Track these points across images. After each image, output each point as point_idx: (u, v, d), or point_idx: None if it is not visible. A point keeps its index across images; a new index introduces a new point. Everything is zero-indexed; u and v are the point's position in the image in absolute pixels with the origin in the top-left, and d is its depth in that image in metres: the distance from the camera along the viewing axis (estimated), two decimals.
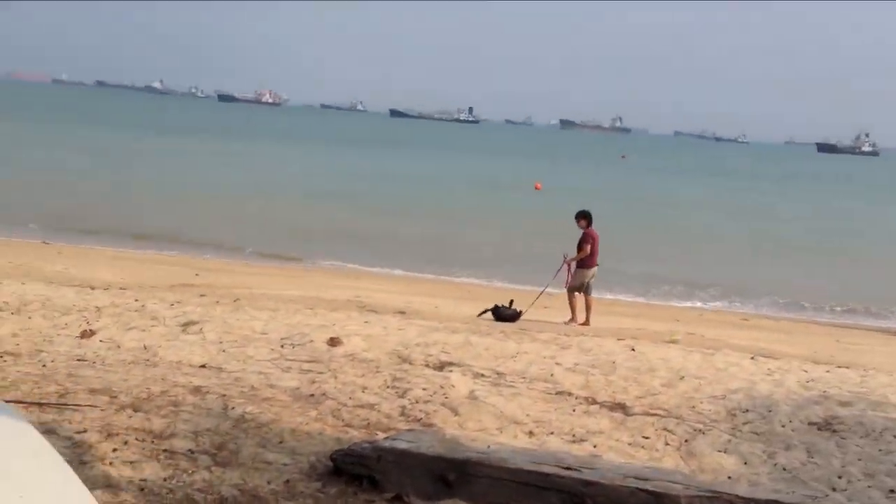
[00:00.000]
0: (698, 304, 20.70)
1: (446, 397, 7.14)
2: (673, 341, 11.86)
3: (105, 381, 6.37)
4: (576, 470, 4.85)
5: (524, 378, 8.12)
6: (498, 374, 8.21)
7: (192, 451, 5.18)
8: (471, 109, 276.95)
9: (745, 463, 6.15)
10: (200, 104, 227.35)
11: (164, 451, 5.14)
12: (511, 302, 13.48)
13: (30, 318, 8.62)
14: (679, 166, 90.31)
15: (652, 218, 37.12)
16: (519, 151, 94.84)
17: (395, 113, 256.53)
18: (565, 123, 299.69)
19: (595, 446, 6.26)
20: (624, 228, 32.31)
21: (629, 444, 6.40)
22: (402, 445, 5.06)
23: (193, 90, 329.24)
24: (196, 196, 33.25)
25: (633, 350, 10.41)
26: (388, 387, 7.36)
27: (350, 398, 6.90)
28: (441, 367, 8.29)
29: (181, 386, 6.50)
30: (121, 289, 12.85)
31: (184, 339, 8.39)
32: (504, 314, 13.11)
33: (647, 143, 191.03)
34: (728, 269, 25.58)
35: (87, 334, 7.96)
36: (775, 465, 6.12)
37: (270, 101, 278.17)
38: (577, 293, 13.81)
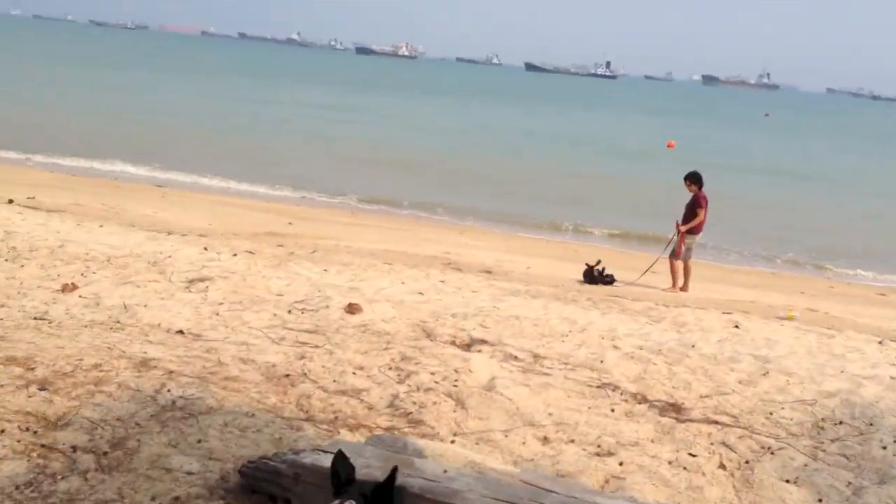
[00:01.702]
0: (828, 277, 18.41)
1: (456, 385, 5.84)
2: (789, 318, 10.20)
3: (35, 348, 5.39)
4: None
5: (566, 364, 6.71)
6: (535, 356, 6.83)
7: (75, 449, 4.09)
8: (608, 64, 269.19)
9: (819, 500, 4.58)
10: (339, 56, 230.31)
11: (43, 446, 4.08)
12: (597, 262, 12.28)
13: (23, 266, 7.80)
14: (824, 127, 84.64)
15: (785, 181, 34.24)
16: (655, 109, 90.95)
17: (530, 67, 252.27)
18: (708, 79, 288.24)
19: (621, 464, 4.84)
20: (757, 192, 29.86)
21: (669, 462, 4.93)
22: (327, 462, 3.81)
23: (332, 42, 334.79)
24: (317, 146, 33.05)
25: (737, 327, 8.96)
26: (390, 368, 6.12)
27: (335, 381, 5.71)
28: (469, 345, 6.97)
29: (127, 357, 5.45)
30: (200, 235, 12.17)
31: (180, 297, 7.38)
32: (593, 277, 12.08)
33: (795, 101, 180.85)
34: (864, 239, 22.87)
35: (67, 288, 7.07)
36: None
37: (407, 54, 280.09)
38: (679, 260, 12.69)
